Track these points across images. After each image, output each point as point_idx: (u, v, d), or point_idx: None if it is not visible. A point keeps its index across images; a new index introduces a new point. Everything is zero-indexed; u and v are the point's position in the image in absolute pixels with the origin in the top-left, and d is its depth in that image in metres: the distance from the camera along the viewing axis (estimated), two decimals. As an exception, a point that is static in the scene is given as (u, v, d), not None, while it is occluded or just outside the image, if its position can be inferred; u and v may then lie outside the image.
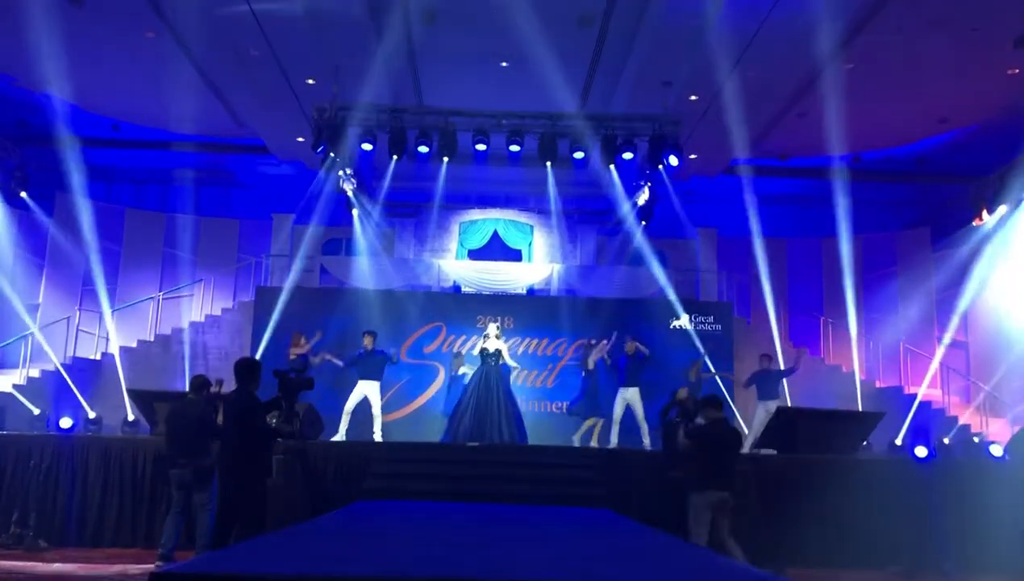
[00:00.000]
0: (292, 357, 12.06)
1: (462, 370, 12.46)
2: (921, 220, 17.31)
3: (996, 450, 10.66)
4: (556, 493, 9.04)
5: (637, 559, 4.82)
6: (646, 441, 11.92)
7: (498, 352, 11.59)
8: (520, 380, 13.80)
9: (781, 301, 16.55)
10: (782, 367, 13.25)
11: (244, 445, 6.62)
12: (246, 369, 6.88)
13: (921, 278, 16.01)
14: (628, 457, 10.10)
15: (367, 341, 11.67)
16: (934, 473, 9.32)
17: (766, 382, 12.34)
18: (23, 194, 14.79)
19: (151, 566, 7.32)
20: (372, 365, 11.60)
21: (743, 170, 15.67)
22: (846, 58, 12.38)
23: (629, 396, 12.01)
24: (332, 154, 13.01)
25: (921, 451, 9.72)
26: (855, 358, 15.27)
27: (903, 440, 12.33)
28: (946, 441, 12.23)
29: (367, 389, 11.57)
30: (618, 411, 12.10)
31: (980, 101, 13.74)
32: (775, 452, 10.17)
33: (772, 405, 12.08)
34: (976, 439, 12.43)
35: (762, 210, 16.33)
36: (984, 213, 14.24)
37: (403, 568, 3.99)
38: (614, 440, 12.03)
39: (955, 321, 15.25)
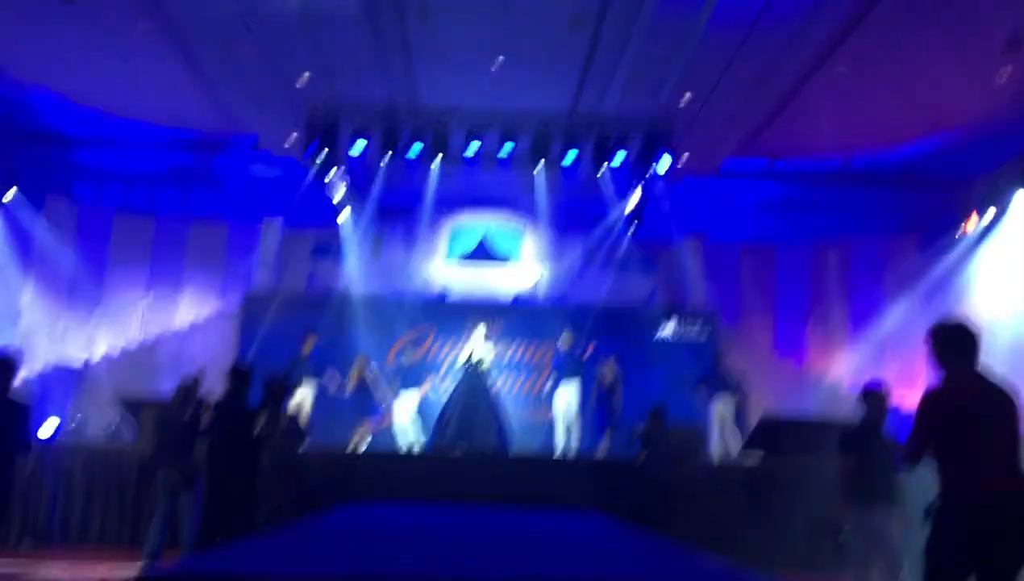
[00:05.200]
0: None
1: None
2: (909, 226, 17.37)
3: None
4: (543, 499, 9.01)
5: (623, 561, 4.79)
6: (559, 440, 11.86)
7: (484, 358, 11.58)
8: (508, 386, 13.77)
9: (769, 308, 16.58)
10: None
11: (234, 450, 6.60)
12: (238, 375, 6.87)
13: (909, 284, 16.06)
14: (616, 464, 10.07)
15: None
16: (921, 481, 9.31)
17: (716, 381, 12.27)
18: (8, 196, 14.64)
19: (136, 568, 7.25)
20: None
21: (732, 175, 15.71)
22: (837, 60, 12.42)
23: (566, 394, 11.94)
24: (325, 150, 13.00)
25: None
26: (842, 366, 15.29)
27: (890, 446, 12.33)
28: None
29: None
30: (559, 409, 12.02)
31: (969, 106, 13.79)
32: (763, 453, 10.17)
33: (723, 407, 12.00)
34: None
35: (751, 217, 16.37)
36: (973, 218, 14.31)
37: (387, 568, 3.96)
38: (561, 442, 11.96)
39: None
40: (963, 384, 4.03)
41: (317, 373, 11.81)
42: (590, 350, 12.93)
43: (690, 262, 16.82)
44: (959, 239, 14.89)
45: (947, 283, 15.29)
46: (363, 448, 11.52)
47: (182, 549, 7.44)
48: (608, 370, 12.35)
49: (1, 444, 5.77)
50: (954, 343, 4.18)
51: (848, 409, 14.05)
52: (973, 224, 14.25)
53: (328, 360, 12.29)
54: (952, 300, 15.16)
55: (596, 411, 12.29)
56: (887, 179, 16.74)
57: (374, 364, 12.42)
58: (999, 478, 3.78)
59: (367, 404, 11.96)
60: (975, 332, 4.17)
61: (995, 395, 3.98)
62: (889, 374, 15.32)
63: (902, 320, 15.96)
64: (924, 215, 17.09)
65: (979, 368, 4.10)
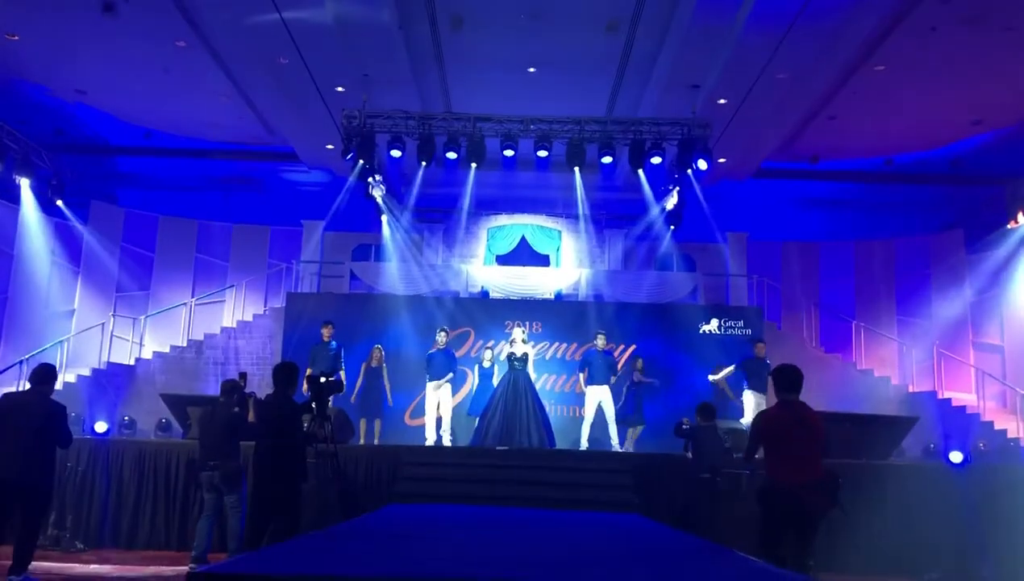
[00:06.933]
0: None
1: (487, 363, 12.63)
2: (955, 223, 17.09)
3: (1034, 455, 10.50)
4: (586, 498, 9.03)
5: (665, 564, 4.80)
6: (615, 442, 11.93)
7: (525, 356, 11.63)
8: (548, 385, 13.81)
9: (812, 305, 16.41)
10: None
11: (281, 449, 6.68)
12: (284, 373, 6.94)
13: (955, 281, 15.79)
14: (659, 461, 10.05)
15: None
16: (970, 479, 9.18)
17: (758, 372, 11.89)
18: (59, 202, 15.03)
19: (184, 568, 7.39)
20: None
21: (773, 174, 15.57)
22: (877, 60, 12.26)
23: (600, 394, 11.96)
24: (361, 161, 13.11)
25: (956, 456, 9.58)
26: (888, 362, 15.06)
27: (937, 445, 12.15)
28: (982, 446, 12.04)
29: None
30: (590, 411, 12.05)
31: (1014, 102, 13.55)
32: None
33: (763, 399, 11.80)
34: (1013, 444, 12.23)
35: (793, 214, 16.21)
36: (1020, 215, 14.03)
37: (433, 570, 4.01)
38: (584, 443, 12.00)
39: (991, 325, 15.03)
40: (785, 409, 5.88)
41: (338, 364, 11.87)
42: (627, 355, 12.97)
43: (732, 259, 16.69)
44: (1006, 235, 14.61)
45: (994, 279, 15.03)
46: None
47: (228, 550, 7.57)
48: (638, 369, 12.56)
49: (47, 442, 6.65)
50: (783, 380, 5.92)
51: (897, 404, 13.94)
52: (1020, 221, 13.97)
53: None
54: (999, 296, 14.90)
55: (624, 406, 12.38)
56: (931, 176, 16.49)
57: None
58: (801, 472, 5.67)
59: (378, 394, 12.13)
60: (798, 374, 5.95)
61: (804, 417, 5.81)
62: (936, 370, 15.12)
63: (949, 316, 15.73)
64: (969, 211, 16.78)
65: (799, 398, 5.92)
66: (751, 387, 11.93)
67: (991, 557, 8.40)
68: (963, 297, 15.67)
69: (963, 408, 13.91)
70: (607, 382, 12.05)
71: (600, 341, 12.35)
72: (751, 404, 11.78)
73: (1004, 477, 9.36)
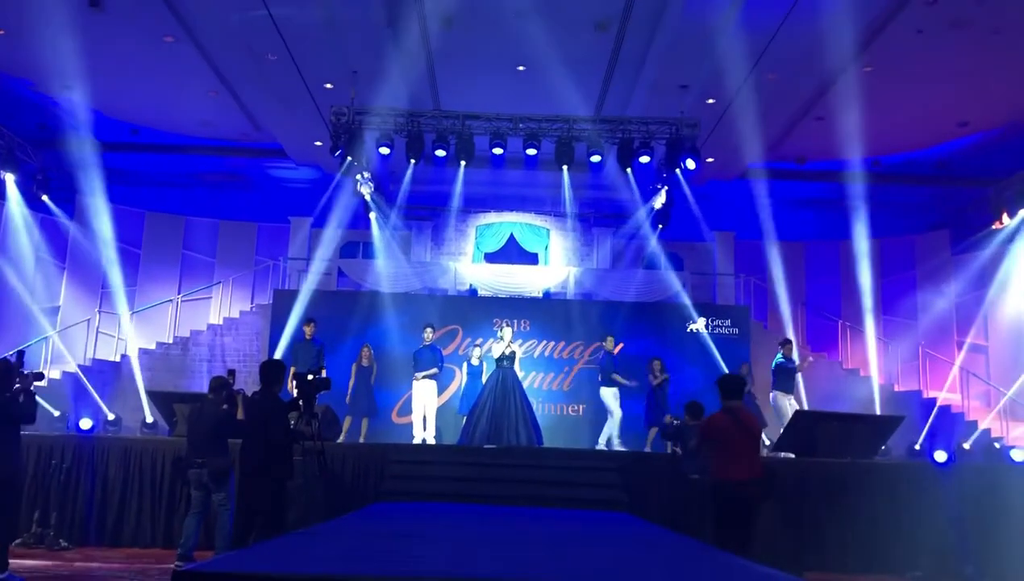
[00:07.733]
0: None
1: (475, 360, 12.64)
2: (941, 223, 17.20)
3: (1017, 455, 10.57)
4: (574, 496, 9.04)
5: (653, 561, 4.81)
6: (601, 442, 12.11)
7: (513, 355, 11.63)
8: (536, 383, 13.81)
9: (799, 304, 16.48)
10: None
11: (267, 447, 6.66)
12: (271, 371, 6.92)
13: (941, 281, 15.90)
14: (648, 460, 10.08)
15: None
16: (954, 478, 9.25)
17: (788, 373, 11.87)
18: (44, 197, 14.92)
19: (170, 566, 7.37)
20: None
21: (760, 174, 15.61)
22: (865, 61, 12.31)
23: (616, 394, 12.14)
24: (350, 158, 13.07)
25: (941, 456, 9.65)
26: (873, 362, 15.15)
27: (922, 444, 12.24)
28: (966, 446, 12.13)
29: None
30: (616, 410, 12.12)
31: (1001, 103, 13.63)
32: (793, 456, 10.13)
33: (790, 401, 11.75)
34: (997, 444, 12.32)
35: (780, 213, 16.25)
36: (1005, 216, 14.13)
37: (419, 569, 4.00)
38: (607, 442, 12.09)
39: (975, 325, 15.13)
40: (728, 413, 6.60)
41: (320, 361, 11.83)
42: (618, 348, 13.05)
43: (720, 258, 16.75)
44: (991, 236, 14.71)
45: (979, 279, 15.14)
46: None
47: (216, 548, 7.54)
48: (657, 370, 12.45)
49: (9, 438, 6.53)
50: (726, 387, 6.74)
51: (882, 403, 14.02)
52: (1005, 222, 14.07)
53: (354, 357, 12.39)
54: (984, 296, 14.99)
55: (648, 411, 12.39)
56: (917, 177, 16.59)
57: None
58: (746, 470, 6.42)
59: (368, 392, 12.11)
60: (741, 382, 7.06)
61: (746, 422, 6.58)
62: (921, 370, 15.21)
63: (934, 316, 15.83)
64: (955, 212, 16.91)
65: (740, 403, 6.79)
66: (782, 389, 11.80)
67: (974, 555, 8.46)
68: (948, 297, 15.78)
69: (948, 407, 14.01)
70: (615, 384, 12.17)
71: (609, 343, 12.41)
72: (787, 407, 11.60)
73: (988, 476, 9.44)
